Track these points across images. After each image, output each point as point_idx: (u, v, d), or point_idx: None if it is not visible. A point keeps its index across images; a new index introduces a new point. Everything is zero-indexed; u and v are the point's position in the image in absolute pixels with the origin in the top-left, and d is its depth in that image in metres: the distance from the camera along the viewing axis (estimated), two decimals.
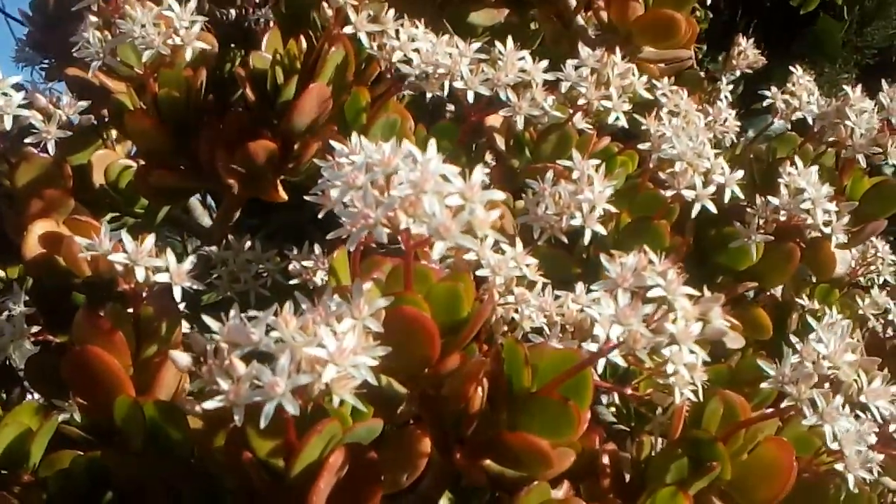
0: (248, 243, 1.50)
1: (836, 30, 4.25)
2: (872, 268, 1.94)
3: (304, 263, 1.36)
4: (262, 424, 0.71)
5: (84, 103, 1.26)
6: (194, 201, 1.72)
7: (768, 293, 1.88)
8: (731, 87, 2.09)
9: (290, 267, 1.38)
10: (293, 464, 0.84)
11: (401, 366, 0.89)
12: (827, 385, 1.01)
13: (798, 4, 4.02)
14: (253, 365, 0.73)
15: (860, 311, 1.76)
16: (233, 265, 1.45)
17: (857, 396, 0.98)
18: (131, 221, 1.53)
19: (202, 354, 0.76)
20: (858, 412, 1.08)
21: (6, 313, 1.23)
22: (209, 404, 0.72)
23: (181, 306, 1.14)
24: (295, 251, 1.43)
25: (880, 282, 1.91)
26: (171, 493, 1.04)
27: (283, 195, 1.39)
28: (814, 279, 1.88)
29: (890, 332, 1.88)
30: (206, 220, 1.71)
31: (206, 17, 1.61)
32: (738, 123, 1.94)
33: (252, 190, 1.35)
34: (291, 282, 1.40)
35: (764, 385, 1.00)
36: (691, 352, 0.87)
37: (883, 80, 1.48)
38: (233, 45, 1.72)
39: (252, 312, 0.76)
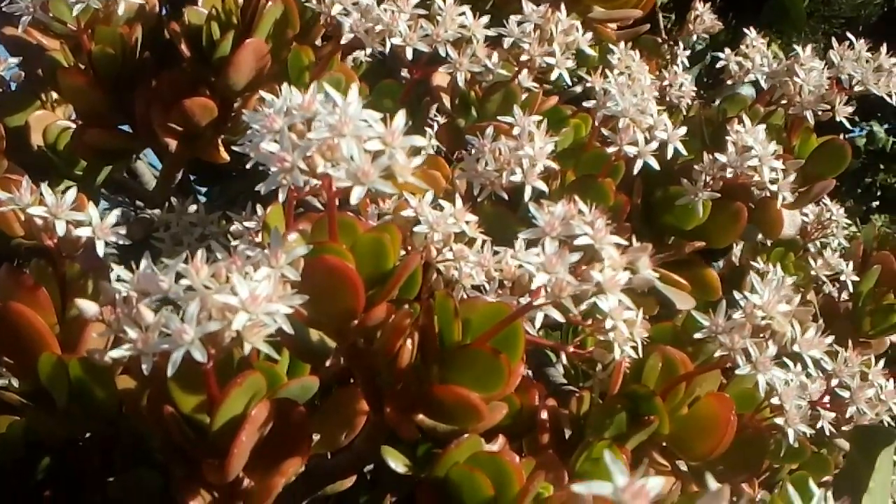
0: (193, 206, 1.48)
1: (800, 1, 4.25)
2: (827, 231, 1.95)
3: (247, 224, 1.34)
4: (170, 372, 0.69)
5: (14, 60, 1.23)
6: (142, 165, 1.69)
7: (728, 258, 1.89)
8: (688, 52, 2.07)
9: (233, 228, 1.36)
10: (215, 417, 0.82)
11: (326, 317, 0.88)
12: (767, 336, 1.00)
13: None
14: (161, 313, 0.71)
15: (813, 273, 1.76)
16: (175, 228, 1.43)
17: (790, 346, 0.97)
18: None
19: (113, 303, 0.74)
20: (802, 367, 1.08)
21: None
22: (116, 353, 0.71)
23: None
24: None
25: (834, 245, 1.92)
26: (103, 452, 1.02)
27: (225, 155, 1.36)
28: (769, 243, 1.89)
29: (845, 295, 1.89)
30: (153, 184, 1.68)
31: None
32: (695, 88, 1.94)
33: (191, 150, 1.33)
34: (234, 243, 1.38)
35: (697, 335, 1.00)
36: (623, 304, 0.86)
37: (833, 38, 1.47)
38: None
39: (164, 260, 0.74)
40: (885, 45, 1.49)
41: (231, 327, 0.71)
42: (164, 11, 1.56)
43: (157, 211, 1.45)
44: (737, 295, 1.05)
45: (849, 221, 1.94)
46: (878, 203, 5.44)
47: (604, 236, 0.84)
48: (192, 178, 1.81)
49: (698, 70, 3.49)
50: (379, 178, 0.76)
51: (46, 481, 1.17)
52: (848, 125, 1.43)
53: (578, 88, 1.79)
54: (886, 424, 1.23)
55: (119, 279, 0.75)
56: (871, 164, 5.49)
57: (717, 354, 0.98)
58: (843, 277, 1.73)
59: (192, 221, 1.43)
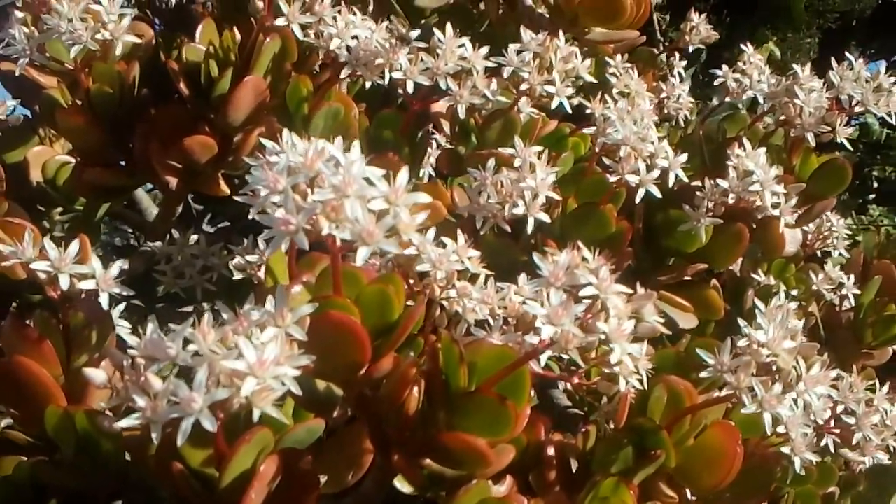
0: (194, 237, 1.48)
1: None
2: (828, 241, 1.96)
3: (249, 258, 1.34)
4: (180, 441, 0.69)
5: (12, 103, 1.23)
6: (141, 193, 1.68)
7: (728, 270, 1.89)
8: (684, 62, 2.07)
9: (235, 262, 1.36)
10: (224, 474, 0.82)
11: (332, 370, 0.88)
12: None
13: None
14: (170, 380, 0.71)
15: (814, 287, 1.77)
16: (177, 260, 1.43)
17: (796, 383, 0.98)
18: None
19: (120, 368, 0.74)
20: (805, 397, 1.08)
21: None
22: (126, 422, 0.71)
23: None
24: (246, 242, 1.41)
25: (835, 255, 1.92)
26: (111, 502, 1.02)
27: (225, 189, 1.36)
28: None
29: (846, 305, 1.89)
30: (155, 212, 1.68)
31: (145, 4, 1.59)
32: (692, 100, 1.94)
33: (192, 185, 1.33)
34: (237, 276, 1.38)
35: (703, 374, 1.00)
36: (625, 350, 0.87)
37: (833, 59, 1.46)
38: (173, 33, 1.69)
39: (171, 325, 0.74)
40: (878, 39, 1.49)
41: (240, 394, 0.70)
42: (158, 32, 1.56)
43: (157, 243, 1.44)
44: (740, 322, 1.05)
45: (849, 232, 1.93)
46: (874, 195, 5.45)
47: (609, 286, 0.84)
48: (190, 198, 1.81)
49: (694, 70, 3.50)
50: (384, 238, 0.76)
51: None
52: (849, 146, 1.42)
53: (576, 101, 1.78)
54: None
55: (128, 347, 0.74)
56: (867, 156, 5.49)
57: (723, 393, 0.98)
58: (844, 291, 1.73)
59: (193, 254, 1.43)
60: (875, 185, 5.51)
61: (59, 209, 1.55)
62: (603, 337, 0.84)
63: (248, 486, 0.82)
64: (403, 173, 0.80)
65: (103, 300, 0.94)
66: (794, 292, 1.81)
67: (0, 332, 1.00)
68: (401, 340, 0.88)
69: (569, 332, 0.82)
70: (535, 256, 0.86)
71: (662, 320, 0.90)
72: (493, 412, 0.91)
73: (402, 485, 1.07)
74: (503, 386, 0.91)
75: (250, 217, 0.84)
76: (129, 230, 1.98)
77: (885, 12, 5.06)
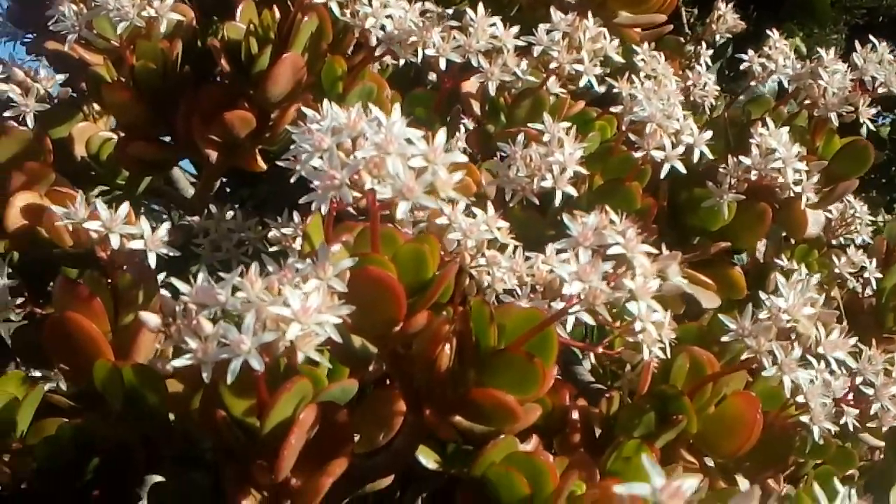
0: (230, 212, 1.52)
1: None
2: (852, 227, 1.97)
3: (284, 231, 1.39)
4: (229, 380, 0.73)
5: (61, 77, 1.28)
6: (178, 172, 1.73)
7: (752, 256, 1.91)
8: (710, 51, 2.09)
9: (270, 234, 1.40)
10: (265, 421, 0.87)
11: (369, 325, 0.92)
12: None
13: None
14: (220, 324, 0.75)
15: (837, 271, 1.79)
16: (214, 234, 1.47)
17: (815, 348, 1.01)
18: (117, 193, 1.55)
19: (172, 315, 0.79)
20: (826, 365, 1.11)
21: None
22: (178, 362, 0.75)
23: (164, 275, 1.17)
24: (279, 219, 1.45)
25: (858, 241, 1.94)
26: (154, 454, 1.06)
27: (262, 164, 1.41)
28: (793, 241, 1.91)
29: (869, 291, 1.91)
30: (191, 191, 1.73)
31: None
32: (718, 88, 1.96)
33: (231, 160, 1.37)
34: (272, 249, 1.42)
35: (724, 338, 1.03)
36: (651, 308, 0.90)
37: (857, 42, 1.49)
38: (213, 17, 1.73)
39: (221, 274, 0.79)
40: None
41: (285, 337, 0.75)
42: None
43: (196, 218, 1.49)
44: (762, 294, 1.08)
45: (873, 218, 1.95)
46: None
47: (635, 245, 0.88)
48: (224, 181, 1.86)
49: (720, 64, 3.51)
50: (423, 194, 0.80)
51: (95, 482, 1.22)
52: (872, 127, 1.45)
53: (602, 89, 1.81)
54: None
55: (179, 292, 0.79)
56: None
57: (743, 357, 1.02)
58: (866, 274, 1.75)
59: (230, 227, 1.48)
60: None
61: (99, 188, 1.60)
62: (629, 294, 0.87)
63: (288, 432, 0.86)
64: (441, 135, 0.84)
65: (151, 259, 0.99)
66: (817, 276, 1.83)
67: (51, 294, 1.05)
68: (435, 297, 0.92)
69: (597, 288, 0.85)
70: (566, 217, 0.90)
71: (686, 281, 0.93)
72: (521, 370, 0.94)
73: (426, 460, 1.11)
74: (531, 345, 0.95)
75: (292, 181, 0.89)
76: (164, 213, 2.03)
77: None
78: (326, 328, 0.77)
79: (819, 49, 1.52)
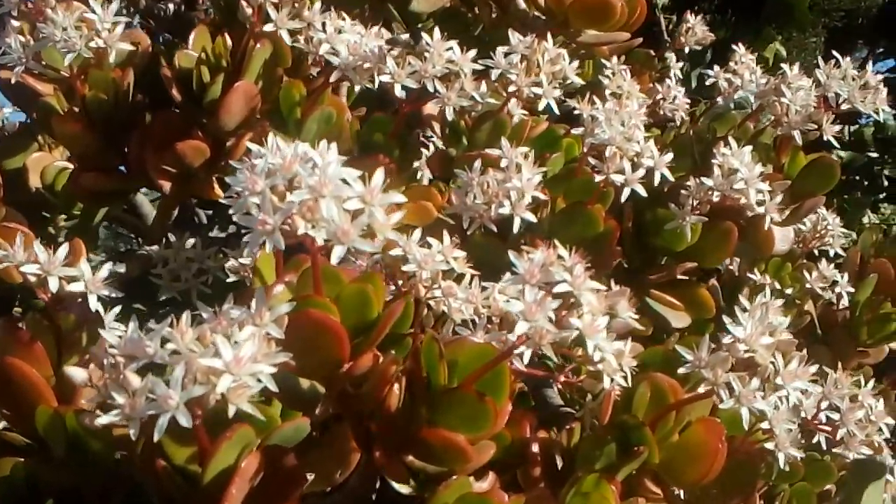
0: (191, 240, 1.50)
1: None
2: (825, 239, 1.96)
3: (242, 261, 1.36)
4: (156, 437, 0.71)
5: (9, 110, 1.25)
6: (141, 197, 1.71)
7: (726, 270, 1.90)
8: (680, 64, 2.09)
9: (229, 264, 1.38)
10: (206, 470, 0.84)
11: (314, 367, 0.90)
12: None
13: None
14: (148, 378, 0.73)
15: (808, 286, 1.77)
16: (173, 263, 1.45)
17: (773, 378, 0.99)
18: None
19: (101, 367, 0.77)
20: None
21: None
22: (104, 419, 0.73)
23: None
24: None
25: (831, 254, 1.93)
26: (102, 500, 1.04)
27: (219, 192, 1.38)
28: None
29: (843, 303, 1.90)
30: (153, 215, 1.70)
31: (144, 11, 1.62)
32: (688, 101, 1.95)
33: (186, 189, 1.35)
34: (231, 279, 1.40)
35: (681, 370, 1.01)
36: (601, 345, 0.88)
37: (819, 58, 1.48)
38: (173, 40, 1.72)
39: (150, 324, 0.76)
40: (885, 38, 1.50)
41: (216, 391, 0.72)
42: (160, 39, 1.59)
43: (154, 247, 1.47)
44: (726, 320, 1.07)
45: (845, 230, 1.94)
46: (884, 194, 5.41)
47: (582, 282, 0.86)
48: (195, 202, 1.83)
49: (699, 71, 3.50)
50: (358, 238, 0.78)
51: None
52: (836, 144, 1.43)
53: (573, 102, 1.80)
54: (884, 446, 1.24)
55: (109, 346, 0.77)
56: (880, 153, 5.46)
57: (700, 389, 1.00)
58: (838, 289, 1.74)
59: (189, 257, 1.45)
60: (886, 183, 5.48)
61: (64, 215, 1.58)
62: (577, 333, 0.85)
63: (229, 481, 0.84)
64: (379, 174, 0.82)
65: (92, 302, 0.96)
66: (790, 291, 1.82)
67: None
68: (380, 338, 0.90)
69: (542, 328, 0.83)
70: (512, 255, 0.88)
71: (637, 316, 0.91)
72: (472, 408, 0.92)
73: (400, 485, 1.09)
74: (483, 383, 0.93)
75: (234, 219, 0.87)
76: (132, 236, 2.01)
77: (891, 11, 5.04)
78: (261, 377, 0.75)
79: (798, 62, 1.51)
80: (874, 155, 4.96)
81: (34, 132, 1.46)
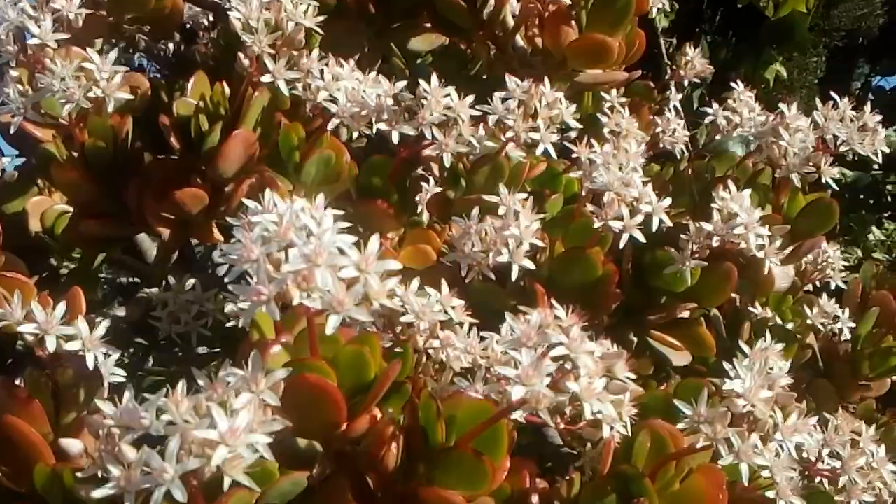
0: (191, 281, 1.50)
1: (802, 19, 4.26)
2: (826, 272, 1.96)
3: (241, 306, 1.36)
4: None
5: (7, 158, 1.26)
6: (142, 235, 1.71)
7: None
8: (679, 96, 2.09)
9: (228, 308, 1.38)
10: None
11: (311, 429, 0.90)
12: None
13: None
14: (143, 450, 0.73)
15: (809, 322, 1.77)
16: (173, 306, 1.45)
17: (773, 433, 0.99)
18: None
19: (96, 436, 0.76)
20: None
21: None
22: (100, 492, 0.73)
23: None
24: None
25: (832, 287, 1.93)
26: None
27: (219, 236, 1.39)
28: None
29: (845, 335, 1.89)
30: (155, 253, 1.71)
31: (143, 51, 1.62)
32: (687, 134, 1.95)
33: (185, 234, 1.35)
34: (230, 323, 1.40)
35: (680, 426, 1.01)
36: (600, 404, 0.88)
37: (817, 100, 1.48)
38: (172, 81, 1.72)
39: (145, 395, 0.76)
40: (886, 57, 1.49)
41: (211, 463, 0.72)
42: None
43: (154, 290, 1.47)
44: (726, 366, 1.07)
45: (846, 263, 1.94)
46: (889, 212, 5.40)
47: (579, 345, 0.86)
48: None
49: (700, 91, 3.50)
50: (354, 307, 0.78)
51: None
52: (835, 186, 1.43)
53: (573, 134, 1.81)
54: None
55: (104, 416, 0.77)
56: (885, 170, 5.45)
57: (699, 445, 0.99)
58: (839, 325, 1.74)
59: (188, 300, 1.45)
60: (890, 200, 5.47)
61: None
62: (573, 396, 0.85)
63: None
64: (374, 242, 0.82)
65: (89, 360, 0.97)
66: (790, 325, 1.82)
67: None
68: (377, 399, 0.90)
69: (539, 392, 0.83)
70: (508, 317, 0.88)
71: (633, 377, 0.91)
72: (470, 467, 0.92)
73: None
74: (481, 440, 0.93)
75: (227, 282, 0.87)
76: (130, 275, 2.01)
77: (892, 30, 5.05)
78: (258, 447, 0.75)
79: (800, 72, 1.51)
80: (878, 172, 4.97)
81: (34, 176, 1.47)
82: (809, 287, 1.97)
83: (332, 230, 0.81)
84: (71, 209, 1.43)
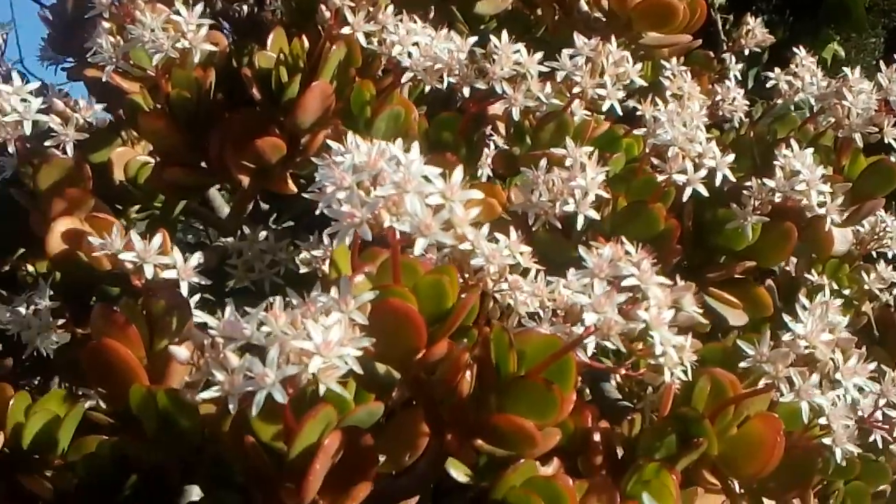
0: (263, 233, 1.56)
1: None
2: (883, 241, 1.96)
3: (314, 253, 1.42)
4: (254, 412, 0.77)
5: (100, 107, 1.32)
6: (214, 192, 1.78)
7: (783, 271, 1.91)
8: (739, 65, 2.10)
9: (301, 256, 1.44)
10: (292, 446, 0.90)
11: (391, 354, 0.95)
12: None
13: None
14: (246, 357, 0.79)
15: (866, 287, 1.78)
16: (247, 255, 1.51)
17: (833, 374, 1.02)
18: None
19: (201, 348, 0.82)
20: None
21: (33, 307, 1.29)
22: (206, 394, 0.79)
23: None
24: (311, 239, 1.49)
25: (889, 256, 1.93)
26: (186, 476, 1.10)
27: (293, 187, 1.45)
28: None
29: None
30: (226, 210, 1.77)
31: (218, 13, 1.68)
32: (747, 102, 1.96)
33: (262, 184, 1.41)
34: (303, 270, 1.46)
35: (742, 364, 1.04)
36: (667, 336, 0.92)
37: (881, 63, 1.49)
38: (245, 41, 1.78)
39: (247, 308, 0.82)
40: None
41: (308, 370, 0.78)
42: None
43: (230, 239, 1.53)
44: (786, 317, 1.10)
45: None
46: None
47: (649, 277, 0.90)
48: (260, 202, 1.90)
49: (756, 71, 3.49)
50: (440, 231, 0.83)
51: (133, 499, 1.27)
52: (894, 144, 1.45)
53: (631, 103, 1.84)
54: None
55: (206, 326, 0.83)
56: None
57: (762, 383, 1.03)
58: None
59: (262, 249, 1.51)
60: None
61: (137, 207, 1.66)
62: (643, 325, 0.89)
63: (313, 458, 0.89)
64: (458, 172, 0.87)
65: (183, 288, 1.03)
66: (847, 292, 1.83)
67: (90, 317, 1.09)
68: (454, 327, 0.94)
69: (611, 319, 0.87)
70: (581, 250, 0.92)
71: (701, 311, 0.95)
72: (540, 396, 0.97)
73: (457, 473, 1.14)
74: (550, 372, 0.97)
75: (317, 213, 0.92)
76: (202, 228, 2.08)
77: None
78: (347, 360, 0.80)
79: (857, 63, 1.53)
80: None
81: (118, 128, 1.54)
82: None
83: (419, 160, 0.86)
84: (152, 161, 1.50)
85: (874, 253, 2.00)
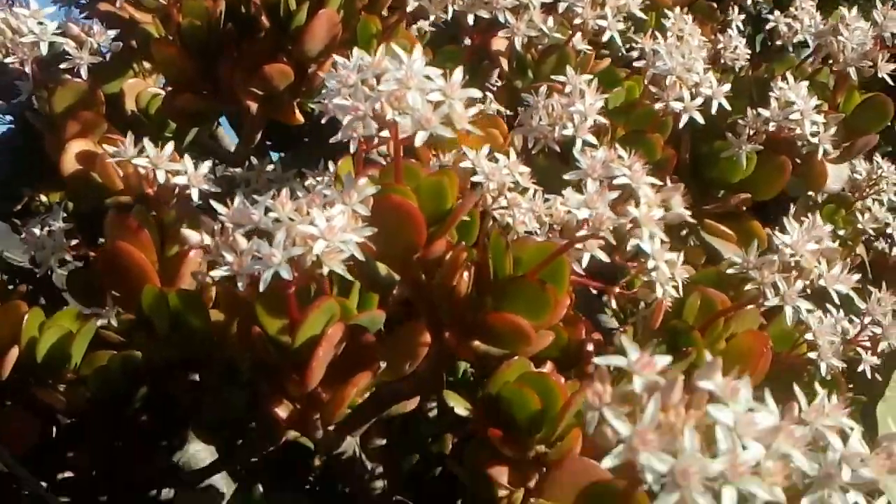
0: (270, 165, 1.60)
1: None
2: (879, 187, 1.99)
3: (320, 178, 1.46)
4: (262, 287, 0.81)
5: (113, 32, 1.36)
6: (222, 131, 1.82)
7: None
8: (742, 15, 2.12)
9: (307, 183, 1.48)
10: (296, 336, 0.95)
11: (392, 251, 0.99)
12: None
13: None
14: (254, 239, 0.83)
15: (860, 227, 1.82)
16: (255, 184, 1.55)
17: (817, 281, 1.06)
18: None
19: (211, 234, 0.87)
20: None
21: (47, 229, 1.33)
22: (217, 273, 0.83)
23: None
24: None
25: (885, 201, 1.96)
26: (197, 372, 1.15)
27: (300, 117, 1.48)
28: (821, 200, 1.95)
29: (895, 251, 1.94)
30: (233, 148, 1.81)
31: None
32: (748, 51, 1.99)
33: (270, 111, 1.45)
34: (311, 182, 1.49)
35: (730, 270, 1.08)
36: (658, 239, 0.96)
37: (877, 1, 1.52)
38: None
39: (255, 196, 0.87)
40: None
41: (312, 252, 0.82)
42: None
43: (238, 169, 1.57)
44: (774, 232, 1.14)
45: None
46: None
47: (640, 176, 0.94)
48: (267, 143, 1.94)
49: (763, 35, 3.50)
50: (439, 125, 0.87)
51: (143, 409, 1.32)
52: (891, 81, 1.48)
53: (634, 54, 1.86)
54: None
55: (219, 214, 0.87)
56: None
57: (747, 288, 1.07)
58: (889, 230, 1.78)
59: (270, 178, 1.55)
60: None
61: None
62: (633, 222, 0.93)
63: (316, 346, 0.94)
64: (458, 72, 0.91)
65: (194, 194, 1.07)
66: (842, 232, 1.86)
67: (105, 223, 1.14)
68: (453, 225, 0.99)
69: (602, 213, 0.91)
70: (576, 151, 0.96)
71: (689, 211, 0.98)
72: (534, 296, 1.01)
73: (458, 407, 1.18)
74: (544, 274, 1.01)
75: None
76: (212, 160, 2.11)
77: None
78: (350, 246, 0.85)
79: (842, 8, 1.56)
80: None
81: (130, 59, 1.57)
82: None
83: (422, 60, 0.90)
84: (162, 92, 1.54)
85: (870, 201, 2.03)
